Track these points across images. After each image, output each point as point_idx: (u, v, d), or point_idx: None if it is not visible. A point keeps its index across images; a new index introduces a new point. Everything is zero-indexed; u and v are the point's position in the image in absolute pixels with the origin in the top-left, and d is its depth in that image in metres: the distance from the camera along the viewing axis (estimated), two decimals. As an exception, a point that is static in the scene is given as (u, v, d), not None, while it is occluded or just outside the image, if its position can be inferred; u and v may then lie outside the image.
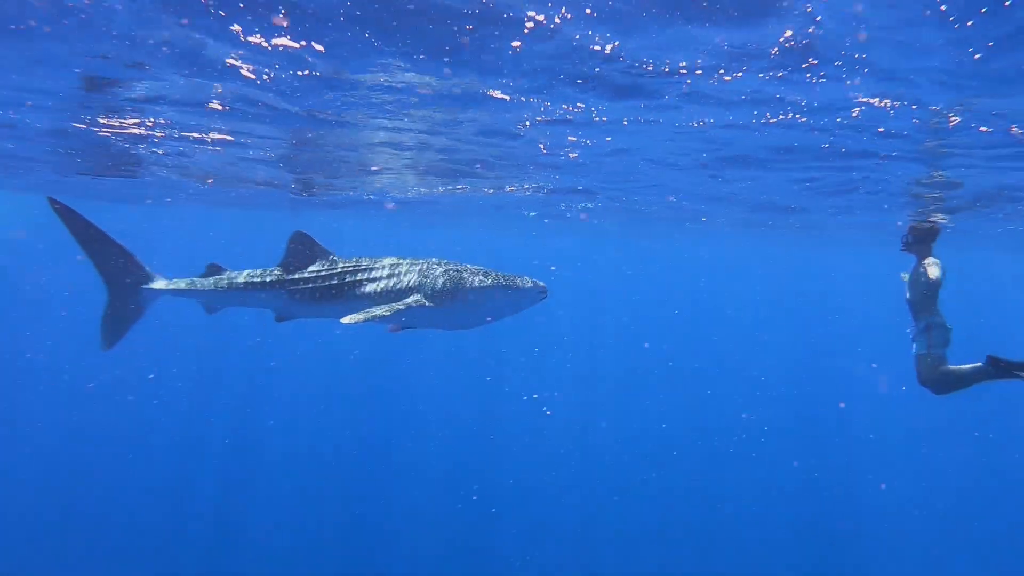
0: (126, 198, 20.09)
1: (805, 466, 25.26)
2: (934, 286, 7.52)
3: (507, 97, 7.35)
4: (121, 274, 7.54)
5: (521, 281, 6.69)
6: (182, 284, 7.59)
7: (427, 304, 6.56)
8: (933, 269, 7.63)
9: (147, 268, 7.70)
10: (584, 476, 24.65)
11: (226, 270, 7.56)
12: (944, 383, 7.34)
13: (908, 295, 7.88)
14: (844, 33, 5.14)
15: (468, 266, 6.83)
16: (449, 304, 6.63)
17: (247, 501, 21.22)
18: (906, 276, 8.11)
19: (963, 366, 7.34)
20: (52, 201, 7.11)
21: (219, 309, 7.78)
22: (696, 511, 22.19)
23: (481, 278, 6.66)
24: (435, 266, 6.83)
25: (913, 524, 22.42)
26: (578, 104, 7.51)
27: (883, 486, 24.05)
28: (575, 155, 10.42)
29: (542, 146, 9.97)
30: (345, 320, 6.27)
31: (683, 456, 26.04)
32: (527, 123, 8.55)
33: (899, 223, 14.35)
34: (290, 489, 21.95)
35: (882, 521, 22.22)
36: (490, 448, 25.82)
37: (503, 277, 6.69)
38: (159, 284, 7.64)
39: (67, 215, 7.21)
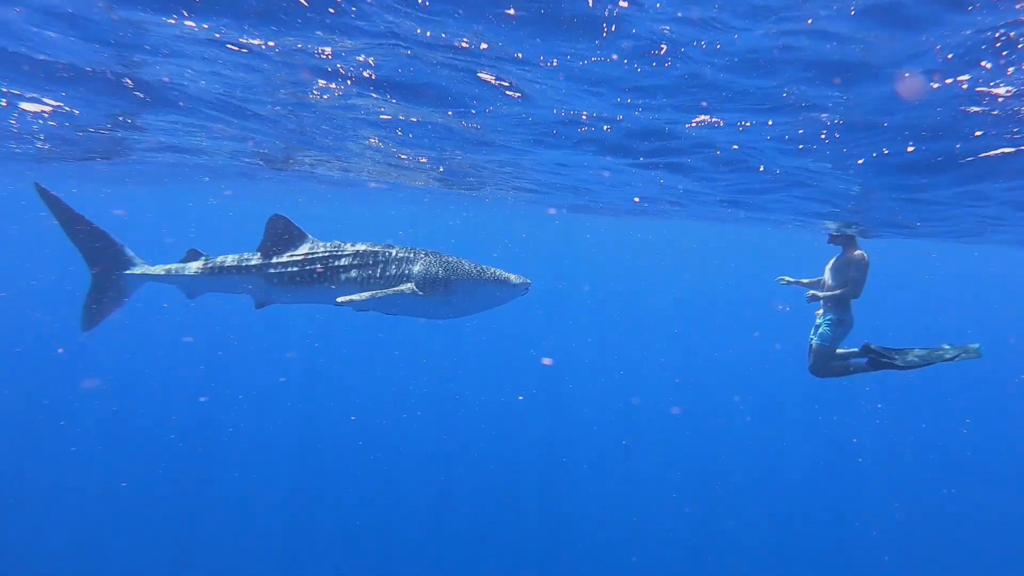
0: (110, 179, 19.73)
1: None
2: (859, 279, 7.70)
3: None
4: (103, 259, 7.75)
5: (508, 276, 6.93)
6: (162, 270, 7.76)
7: (419, 293, 6.71)
8: (861, 262, 7.73)
9: (130, 254, 7.89)
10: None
11: (205, 255, 7.69)
12: (828, 371, 7.78)
13: (830, 282, 8.00)
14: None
15: (456, 258, 6.99)
16: (440, 295, 6.81)
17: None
18: (787, 279, 8.43)
19: (844, 350, 7.82)
20: (38, 187, 7.32)
21: (200, 295, 7.88)
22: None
23: (473, 271, 6.86)
24: (425, 255, 6.97)
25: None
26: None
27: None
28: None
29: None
30: (340, 300, 6.52)
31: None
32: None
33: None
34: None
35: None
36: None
37: (493, 271, 6.91)
38: (139, 269, 7.83)
39: (52, 201, 7.43)
